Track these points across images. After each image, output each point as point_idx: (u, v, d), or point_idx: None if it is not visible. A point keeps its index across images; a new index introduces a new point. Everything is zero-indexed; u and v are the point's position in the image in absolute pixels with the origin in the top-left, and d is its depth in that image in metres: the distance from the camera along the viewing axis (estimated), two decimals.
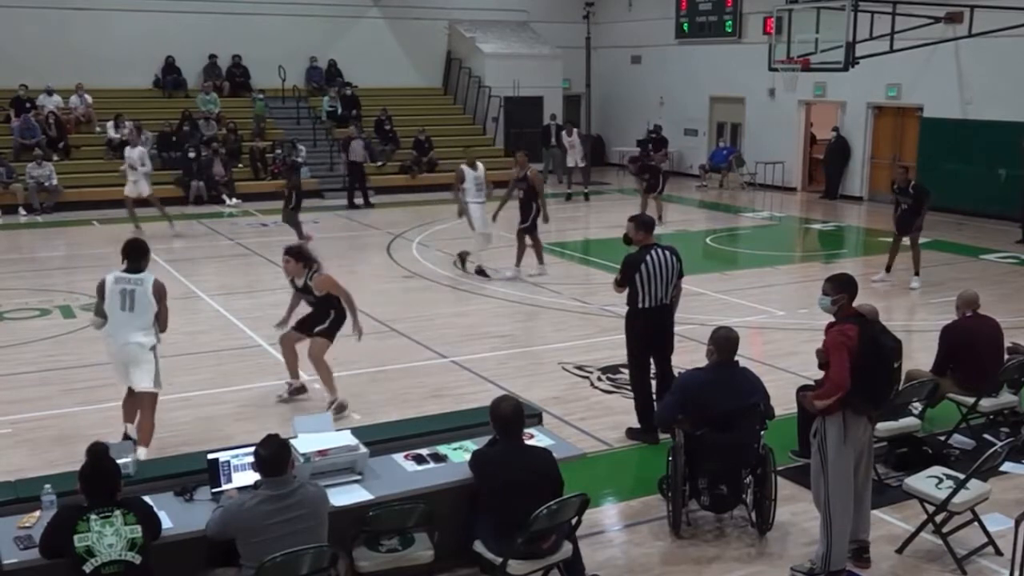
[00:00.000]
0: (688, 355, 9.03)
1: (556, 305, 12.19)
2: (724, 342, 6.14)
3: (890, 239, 14.95)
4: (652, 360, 7.83)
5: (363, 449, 5.42)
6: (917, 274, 13.04)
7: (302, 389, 8.71)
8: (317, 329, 8.32)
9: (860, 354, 5.32)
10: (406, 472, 5.52)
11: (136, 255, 7.07)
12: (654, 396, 7.75)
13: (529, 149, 24.61)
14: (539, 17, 27.01)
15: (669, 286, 7.58)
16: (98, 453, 4.67)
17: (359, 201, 20.52)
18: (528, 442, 5.69)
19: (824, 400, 5.45)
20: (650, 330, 7.68)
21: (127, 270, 7.03)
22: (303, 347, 8.52)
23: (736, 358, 6.21)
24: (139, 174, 16.91)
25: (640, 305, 7.56)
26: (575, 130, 22.74)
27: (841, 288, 5.56)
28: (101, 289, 7.05)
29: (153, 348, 7.08)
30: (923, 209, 12.87)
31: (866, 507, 5.78)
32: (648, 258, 7.51)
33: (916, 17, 17.12)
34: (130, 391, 7.23)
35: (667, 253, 7.59)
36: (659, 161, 19.12)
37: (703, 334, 8.09)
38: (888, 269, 13.34)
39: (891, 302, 12.14)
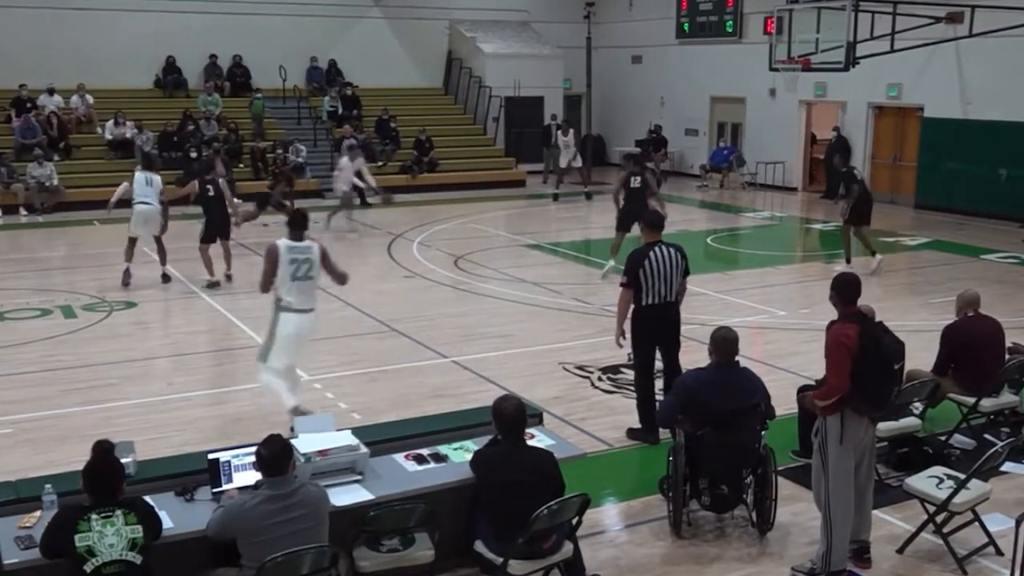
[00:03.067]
0: (689, 355, 9.00)
1: (556, 305, 12.19)
2: (722, 342, 6.15)
3: (890, 239, 14.99)
4: (660, 356, 7.83)
5: (364, 449, 5.42)
6: (848, 261, 13.87)
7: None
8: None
9: (860, 354, 5.31)
10: (407, 472, 5.52)
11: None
12: (660, 393, 7.76)
13: (529, 149, 24.94)
14: (540, 17, 27.02)
15: (673, 283, 7.57)
16: (104, 450, 4.68)
17: (355, 201, 20.48)
18: (529, 442, 5.69)
19: (823, 400, 5.46)
20: (655, 327, 7.67)
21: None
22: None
23: (737, 358, 6.21)
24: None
25: (644, 302, 7.55)
26: (571, 131, 22.77)
27: (832, 287, 5.61)
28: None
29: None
30: (846, 194, 13.77)
31: (868, 507, 5.78)
32: (652, 255, 7.51)
33: (917, 17, 17.12)
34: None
35: (671, 251, 7.59)
36: (659, 161, 19.14)
37: (704, 334, 8.06)
38: (848, 260, 14.00)
39: (891, 302, 12.13)
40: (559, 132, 22.64)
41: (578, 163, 22.21)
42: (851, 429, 5.45)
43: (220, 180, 13.42)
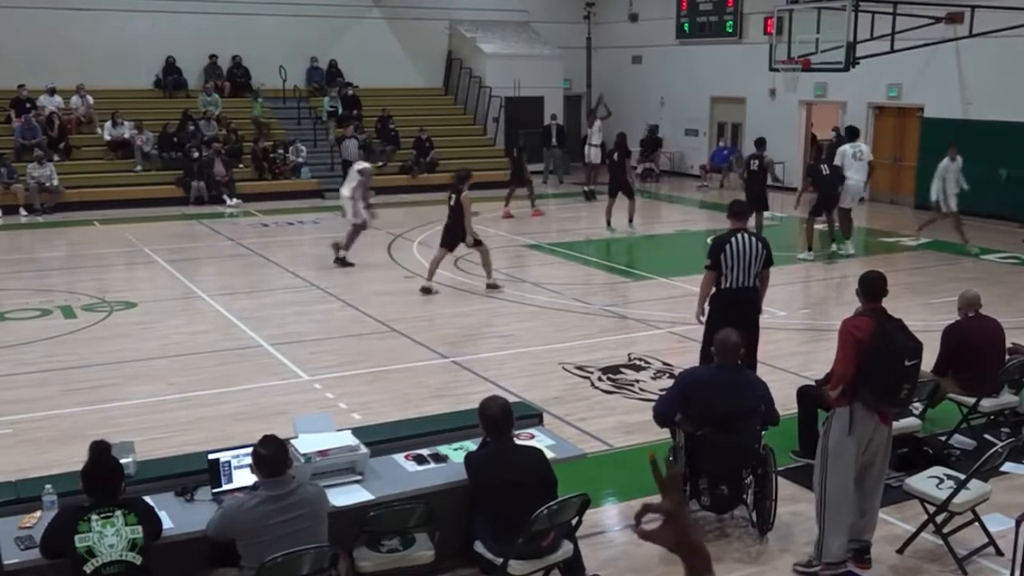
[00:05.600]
0: (691, 355, 9.03)
1: (556, 305, 12.19)
2: (721, 345, 6.14)
3: (890, 239, 14.90)
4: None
5: (364, 449, 5.42)
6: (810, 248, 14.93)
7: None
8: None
9: (870, 348, 5.40)
10: (407, 472, 5.52)
11: None
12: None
13: (529, 149, 24.90)
14: (540, 17, 27.01)
15: (751, 271, 7.84)
16: (99, 450, 4.68)
17: None
18: (529, 442, 5.71)
19: (832, 390, 5.58)
20: (731, 311, 7.87)
21: None
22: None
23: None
24: None
25: (723, 285, 7.89)
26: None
27: (858, 283, 5.80)
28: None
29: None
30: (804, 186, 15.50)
31: (874, 510, 5.80)
32: (734, 240, 7.84)
33: (917, 17, 17.12)
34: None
35: (753, 239, 7.90)
36: (656, 160, 19.24)
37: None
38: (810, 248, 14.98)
39: (891, 302, 12.08)
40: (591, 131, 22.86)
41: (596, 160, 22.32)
42: (860, 422, 5.50)
43: (462, 193, 12.54)
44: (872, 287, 5.69)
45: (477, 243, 12.70)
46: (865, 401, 5.47)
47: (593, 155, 22.28)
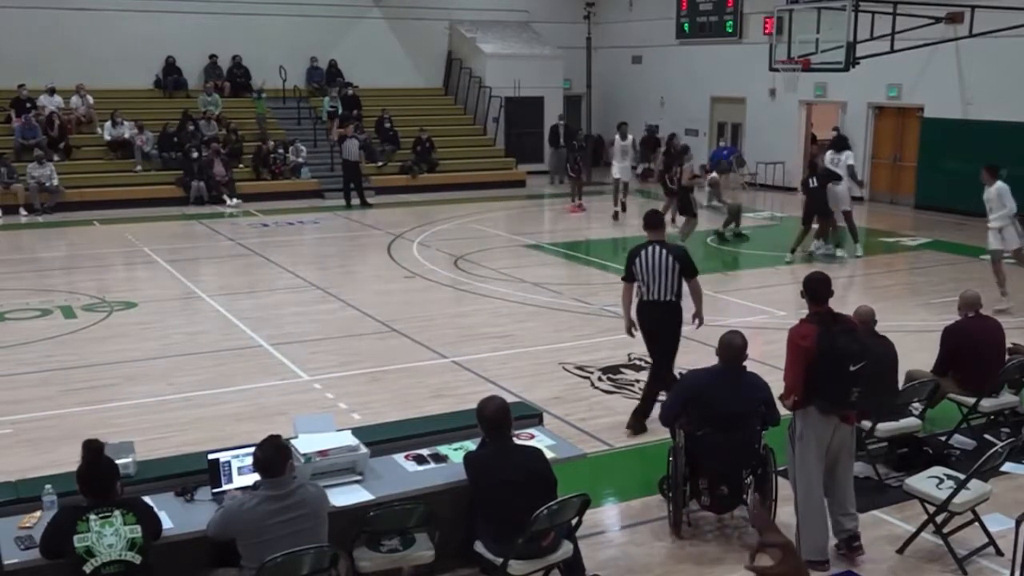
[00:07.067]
0: (688, 355, 9.01)
1: (556, 305, 12.19)
2: (725, 348, 6.13)
3: (891, 239, 14.96)
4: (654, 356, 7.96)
5: (364, 449, 5.42)
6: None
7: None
8: None
9: (816, 354, 5.42)
10: (407, 472, 5.52)
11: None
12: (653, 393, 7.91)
13: (529, 149, 24.92)
14: (540, 17, 27.01)
15: (664, 283, 7.66)
16: (93, 449, 4.68)
17: (355, 201, 20.45)
18: (529, 442, 5.71)
19: (784, 399, 5.67)
20: (648, 324, 7.88)
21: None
22: None
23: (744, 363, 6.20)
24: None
25: (643, 297, 7.84)
26: (631, 136, 21.40)
27: (802, 285, 5.74)
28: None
29: None
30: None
31: (849, 506, 5.85)
32: (644, 252, 7.73)
33: (917, 17, 17.12)
34: None
35: (663, 251, 7.67)
36: (654, 159, 19.26)
37: (704, 335, 8.09)
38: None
39: (891, 302, 12.13)
40: (617, 136, 19.79)
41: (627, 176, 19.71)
42: (812, 427, 5.59)
43: (684, 165, 15.50)
44: (818, 289, 5.65)
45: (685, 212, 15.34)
46: (819, 406, 5.54)
47: (618, 171, 19.60)
